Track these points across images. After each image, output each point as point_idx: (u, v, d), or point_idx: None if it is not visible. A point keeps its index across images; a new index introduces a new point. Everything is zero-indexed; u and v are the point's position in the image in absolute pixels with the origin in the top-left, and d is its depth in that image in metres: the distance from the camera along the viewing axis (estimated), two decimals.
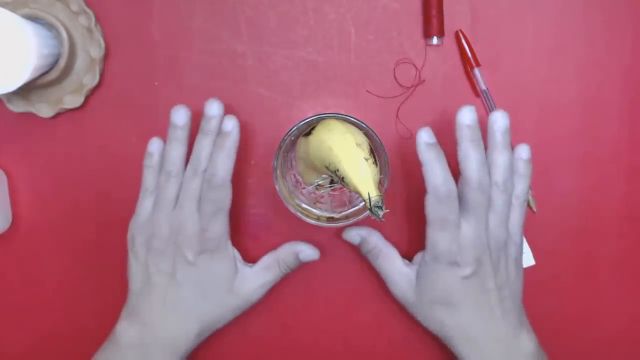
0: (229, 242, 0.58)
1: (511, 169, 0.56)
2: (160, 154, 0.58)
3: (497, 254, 0.56)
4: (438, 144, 0.54)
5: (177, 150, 0.57)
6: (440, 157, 0.54)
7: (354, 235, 0.59)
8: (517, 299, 0.57)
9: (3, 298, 0.64)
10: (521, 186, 0.56)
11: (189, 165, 0.57)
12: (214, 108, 0.57)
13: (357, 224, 0.54)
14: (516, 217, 0.56)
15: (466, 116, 0.54)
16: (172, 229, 0.57)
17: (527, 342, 0.57)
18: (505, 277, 0.56)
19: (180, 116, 0.57)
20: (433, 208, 0.54)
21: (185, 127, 0.57)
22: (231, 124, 0.56)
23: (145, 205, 0.58)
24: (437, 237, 0.55)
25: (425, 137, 0.54)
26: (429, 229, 0.55)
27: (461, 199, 0.55)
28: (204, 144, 0.57)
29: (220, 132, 0.57)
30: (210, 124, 0.57)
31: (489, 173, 0.55)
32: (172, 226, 0.57)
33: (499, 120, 0.55)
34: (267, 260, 0.60)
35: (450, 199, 0.54)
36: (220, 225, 0.57)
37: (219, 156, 0.56)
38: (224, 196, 0.56)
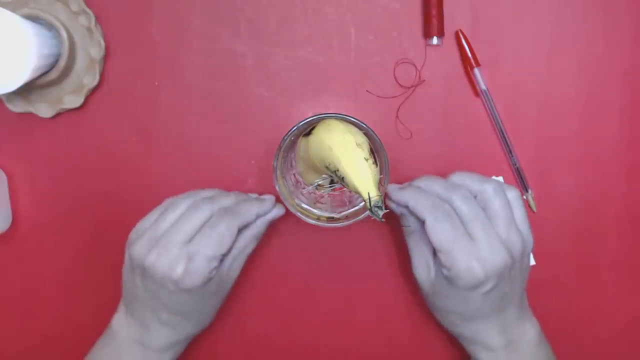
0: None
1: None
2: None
3: (520, 259, 0.53)
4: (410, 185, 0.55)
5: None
6: (419, 191, 0.53)
7: (395, 208, 0.56)
8: (524, 288, 0.57)
9: (3, 298, 0.64)
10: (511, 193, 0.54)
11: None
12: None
13: (357, 224, 0.54)
14: (519, 214, 0.54)
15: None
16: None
17: (530, 330, 0.56)
18: (520, 278, 0.55)
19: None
20: (438, 231, 0.51)
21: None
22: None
23: (154, 215, 0.56)
24: (454, 257, 0.51)
25: (391, 187, 0.54)
26: (442, 254, 0.52)
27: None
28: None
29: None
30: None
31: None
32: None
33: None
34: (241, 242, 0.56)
35: (451, 215, 0.52)
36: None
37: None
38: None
